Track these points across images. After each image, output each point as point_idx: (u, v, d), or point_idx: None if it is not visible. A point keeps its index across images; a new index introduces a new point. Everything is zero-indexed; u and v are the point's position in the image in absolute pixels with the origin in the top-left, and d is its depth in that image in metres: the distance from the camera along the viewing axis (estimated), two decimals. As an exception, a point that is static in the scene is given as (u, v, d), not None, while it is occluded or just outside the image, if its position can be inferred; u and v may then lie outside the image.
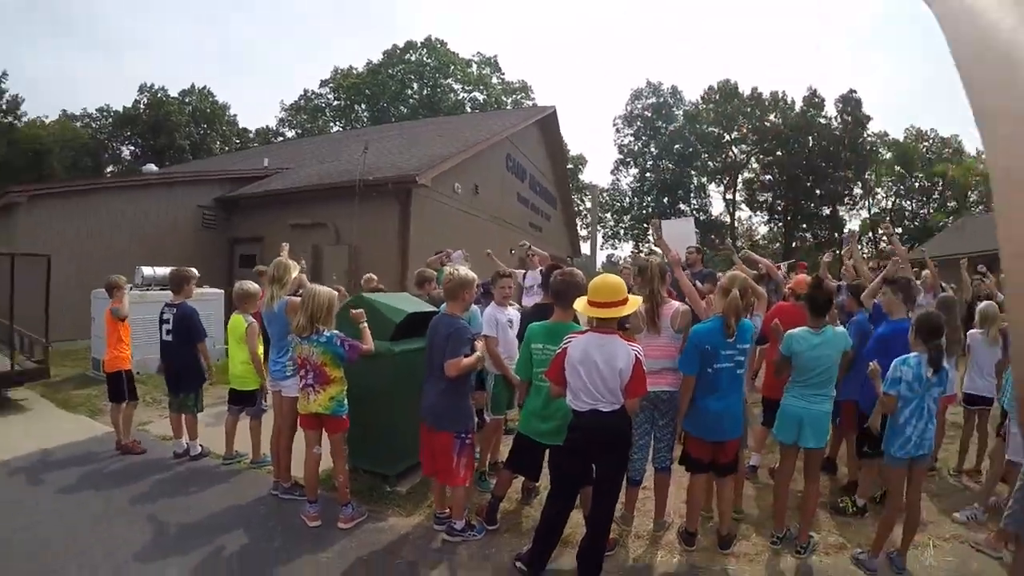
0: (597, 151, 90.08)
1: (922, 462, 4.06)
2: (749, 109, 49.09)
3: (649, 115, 52.25)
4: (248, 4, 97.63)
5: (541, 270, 7.40)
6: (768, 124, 48.44)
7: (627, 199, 53.68)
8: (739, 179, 50.81)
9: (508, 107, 50.08)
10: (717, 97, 50.01)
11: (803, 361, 4.23)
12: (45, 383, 8.65)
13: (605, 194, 51.87)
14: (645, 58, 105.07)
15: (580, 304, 3.88)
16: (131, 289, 6.89)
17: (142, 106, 52.07)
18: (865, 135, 46.80)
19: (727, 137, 50.20)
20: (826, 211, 47.98)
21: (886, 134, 48.38)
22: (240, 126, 58.84)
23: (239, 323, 5.85)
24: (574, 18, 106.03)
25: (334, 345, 4.48)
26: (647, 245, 49.52)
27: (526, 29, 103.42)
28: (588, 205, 47.39)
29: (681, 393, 4.29)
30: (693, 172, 51.11)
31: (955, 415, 6.38)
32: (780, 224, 49.87)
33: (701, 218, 47.87)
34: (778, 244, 48.17)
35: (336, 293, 4.79)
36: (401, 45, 54.96)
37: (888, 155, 48.31)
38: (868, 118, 46.37)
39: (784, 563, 4.17)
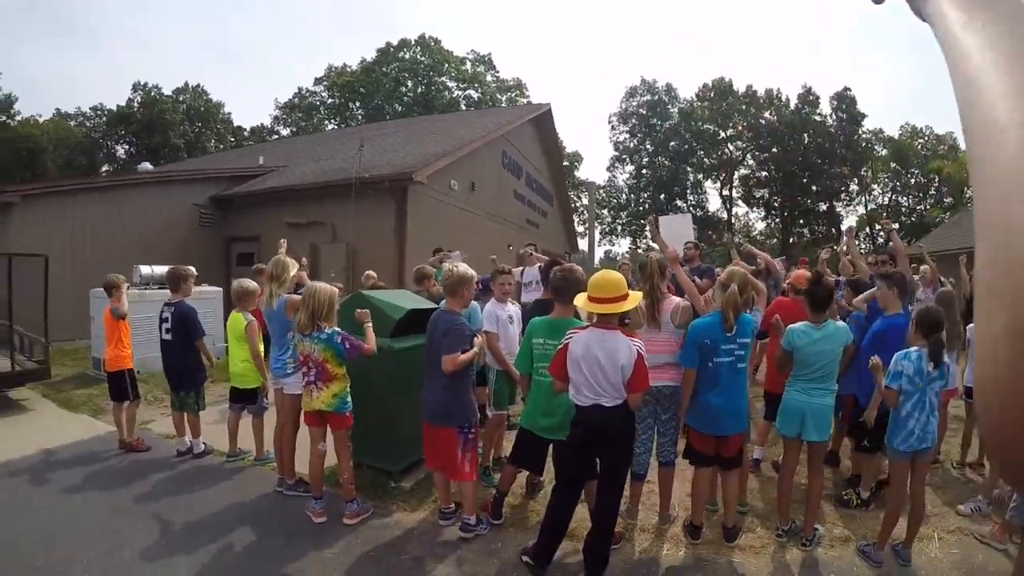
0: (593, 148, 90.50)
1: (925, 455, 4.08)
2: (744, 106, 49.16)
3: (644, 112, 52.22)
4: (243, 2, 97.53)
5: (540, 266, 7.40)
6: (763, 121, 48.50)
7: (623, 195, 53.71)
8: (735, 176, 50.87)
9: (503, 105, 50.04)
10: (712, 95, 50.02)
11: (804, 356, 4.24)
12: (46, 383, 8.62)
13: (602, 191, 51.83)
14: (639, 56, 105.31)
15: (581, 300, 3.90)
16: (129, 288, 6.85)
17: (136, 104, 51.93)
18: (860, 132, 46.93)
19: (722, 134, 50.23)
20: (823, 207, 48.12)
21: (881, 131, 48.55)
22: (235, 124, 58.83)
23: (238, 321, 5.84)
24: (568, 16, 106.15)
25: (335, 342, 4.48)
26: (644, 241, 49.66)
27: (520, 27, 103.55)
28: (585, 202, 47.37)
29: (682, 387, 4.32)
30: (689, 169, 51.16)
31: (957, 408, 6.40)
32: (777, 220, 49.98)
33: (698, 214, 47.88)
34: (775, 240, 48.22)
35: (336, 290, 4.79)
36: (395, 43, 54.86)
37: (884, 152, 48.46)
38: (863, 115, 46.54)
39: (790, 555, 4.18)
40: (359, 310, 4.80)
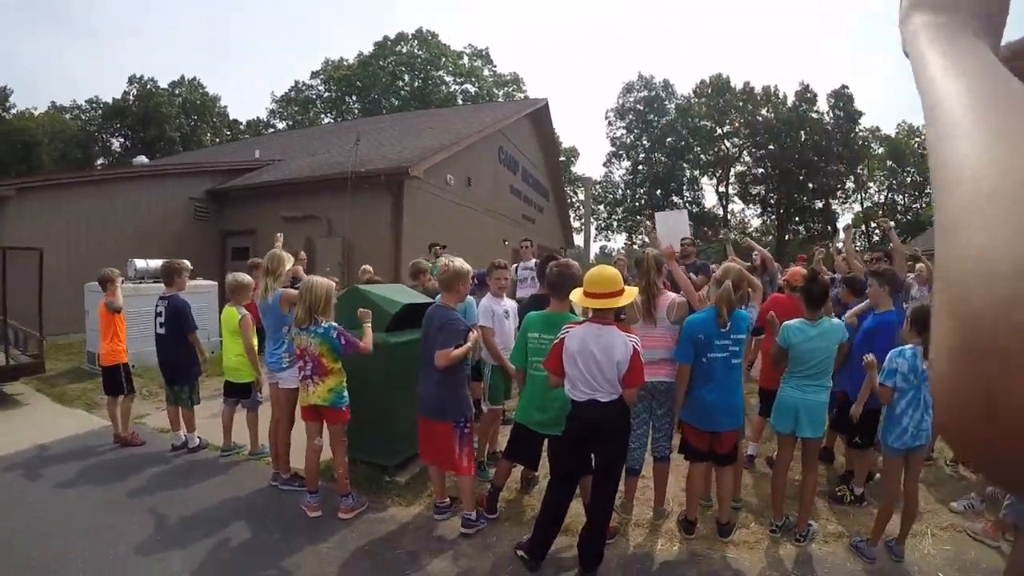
0: (589, 144, 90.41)
1: (919, 452, 4.09)
2: (741, 103, 49.11)
3: (641, 108, 52.15)
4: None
5: (536, 261, 7.39)
6: (760, 118, 48.46)
7: (620, 191, 53.65)
8: (731, 172, 50.84)
9: (500, 99, 49.97)
10: (709, 91, 49.95)
11: (799, 352, 4.25)
12: (40, 377, 8.59)
13: (598, 186, 51.82)
14: (637, 52, 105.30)
15: (577, 295, 3.90)
16: (123, 282, 6.82)
17: (132, 97, 51.71)
18: (857, 130, 46.95)
19: (719, 131, 50.17)
20: (818, 204, 48.11)
21: (878, 129, 48.57)
22: (231, 118, 58.65)
23: (232, 315, 5.82)
24: (566, 11, 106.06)
25: (331, 337, 4.47)
26: (640, 237, 49.64)
27: (518, 22, 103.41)
28: (581, 197, 47.31)
29: (677, 383, 4.33)
30: (685, 165, 51.07)
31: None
32: (773, 217, 49.98)
33: (694, 211, 47.87)
34: (771, 237, 48.29)
35: (334, 284, 4.78)
36: (392, 37, 54.67)
37: (880, 150, 48.52)
38: (860, 113, 46.52)
39: (783, 551, 4.20)
40: (361, 310, 4.79)
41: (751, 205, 51.55)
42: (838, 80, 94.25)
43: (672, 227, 9.02)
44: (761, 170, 49.24)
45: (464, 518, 4.42)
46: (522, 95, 52.77)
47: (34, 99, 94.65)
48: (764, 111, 48.79)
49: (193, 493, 5.07)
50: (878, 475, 5.13)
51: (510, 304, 5.70)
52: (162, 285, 6.44)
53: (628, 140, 52.87)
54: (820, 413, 4.27)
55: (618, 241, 54.01)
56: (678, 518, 4.55)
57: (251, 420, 5.91)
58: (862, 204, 49.27)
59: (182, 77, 55.27)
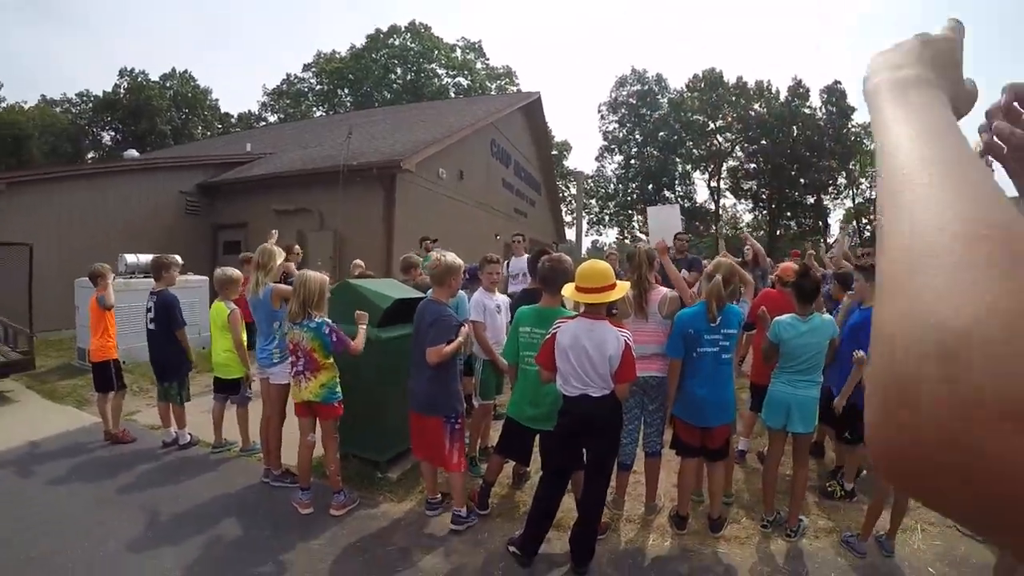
0: (582, 138, 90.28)
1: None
2: (734, 98, 49.11)
3: (634, 102, 52.10)
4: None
5: (528, 257, 7.38)
6: (753, 113, 48.51)
7: (612, 185, 53.64)
8: (724, 167, 50.87)
9: (492, 92, 49.87)
10: (702, 85, 49.92)
11: (790, 348, 4.25)
12: (31, 374, 8.54)
13: (590, 180, 51.76)
14: (630, 46, 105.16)
15: (568, 290, 3.90)
16: (115, 279, 6.75)
17: (122, 91, 51.35)
18: (849, 126, 47.04)
19: (712, 125, 50.17)
20: (810, 200, 48.22)
21: (870, 124, 48.67)
22: (222, 111, 58.33)
23: (221, 310, 5.78)
24: (560, 4, 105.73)
25: (322, 333, 4.45)
26: (632, 231, 49.75)
27: (511, 15, 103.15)
28: (573, 191, 47.32)
29: (668, 377, 4.34)
30: (678, 159, 51.08)
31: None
32: (765, 212, 50.05)
33: (686, 205, 47.97)
34: (762, 232, 48.37)
35: (327, 278, 4.76)
36: (385, 29, 54.49)
37: (872, 146, 48.55)
38: (853, 109, 46.59)
39: (774, 546, 4.22)
40: (358, 312, 4.78)
41: (743, 200, 51.63)
42: (836, 78, 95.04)
43: (664, 222, 9.03)
44: (753, 165, 49.30)
45: (454, 515, 4.41)
46: (515, 88, 52.70)
47: (24, 92, 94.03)
48: (757, 106, 48.84)
49: (184, 490, 5.05)
50: (865, 472, 5.16)
51: (502, 299, 5.69)
52: (153, 280, 6.40)
53: (620, 134, 52.81)
54: (811, 408, 4.28)
55: (610, 235, 54.17)
56: (670, 513, 4.56)
57: (241, 416, 5.88)
58: (854, 200, 49.37)
59: (173, 70, 54.98)
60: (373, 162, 13.77)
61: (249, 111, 58.27)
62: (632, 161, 51.99)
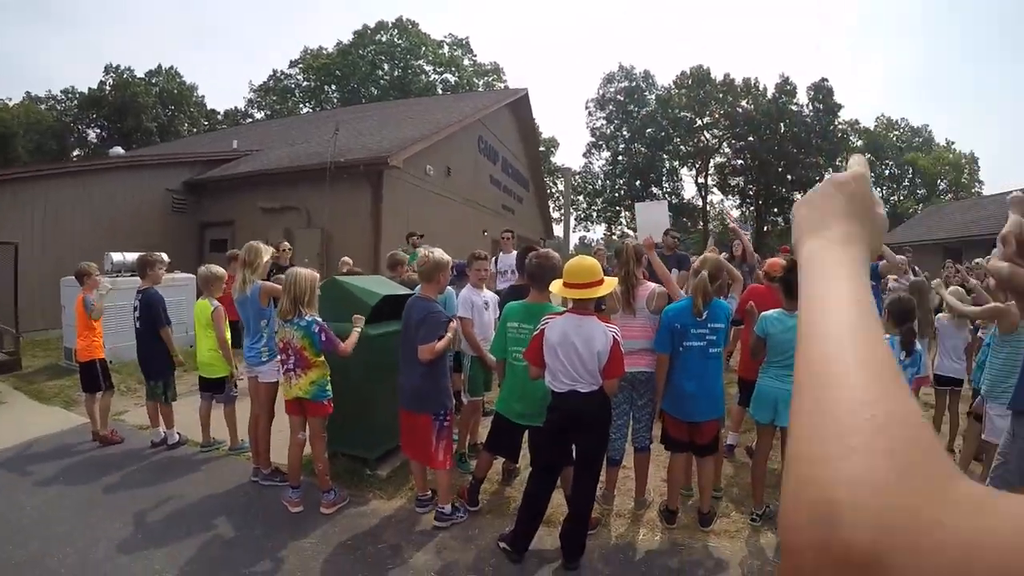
0: (569, 134, 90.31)
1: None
2: (721, 95, 49.28)
3: (621, 99, 52.21)
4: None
5: (516, 253, 7.38)
6: (740, 110, 48.69)
7: (599, 182, 53.75)
8: (711, 163, 51.07)
9: (480, 89, 49.82)
10: (690, 82, 50.08)
11: (777, 342, 4.27)
12: (17, 375, 8.45)
13: (577, 177, 51.85)
14: (617, 43, 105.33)
15: (556, 286, 3.90)
16: (108, 293, 6.62)
17: (108, 87, 50.83)
18: (836, 123, 47.33)
19: (699, 122, 50.35)
20: (797, 196, 48.28)
21: (857, 122, 49.09)
22: (208, 107, 57.84)
23: (204, 307, 5.75)
24: (548, 1, 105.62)
25: (312, 331, 4.44)
26: (619, 228, 49.84)
27: (498, 11, 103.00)
28: (561, 188, 47.32)
29: (656, 372, 4.35)
30: (665, 156, 51.25)
31: (927, 395, 6.51)
32: (751, 208, 50.30)
33: (673, 201, 48.12)
34: (750, 228, 48.61)
35: (317, 275, 4.74)
36: (372, 25, 54.28)
37: (859, 143, 49.00)
38: (839, 106, 46.94)
39: (764, 539, 4.24)
40: (355, 315, 4.78)
41: (730, 196, 51.93)
42: (828, 76, 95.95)
43: (652, 218, 9.04)
44: (740, 161, 49.58)
45: (438, 512, 4.41)
46: (502, 85, 52.63)
47: (8, 90, 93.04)
48: (744, 103, 49.05)
49: (173, 490, 5.01)
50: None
51: (490, 296, 5.69)
52: (139, 279, 6.34)
53: (608, 131, 52.94)
54: (799, 403, 4.29)
55: (598, 232, 54.24)
56: (659, 508, 4.58)
57: (229, 415, 5.85)
58: (840, 195, 49.69)
59: (159, 66, 54.43)
60: (360, 159, 13.73)
61: (236, 108, 57.84)
62: (620, 157, 52.11)
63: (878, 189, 47.89)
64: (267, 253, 5.31)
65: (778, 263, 5.72)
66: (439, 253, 4.51)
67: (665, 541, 4.25)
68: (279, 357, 4.70)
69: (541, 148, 35.96)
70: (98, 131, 51.64)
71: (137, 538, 4.18)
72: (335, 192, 13.16)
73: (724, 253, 7.53)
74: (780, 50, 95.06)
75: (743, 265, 8.02)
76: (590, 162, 54.28)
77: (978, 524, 0.35)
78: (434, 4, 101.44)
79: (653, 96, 51.86)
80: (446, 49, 55.24)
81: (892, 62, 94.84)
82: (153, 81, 53.23)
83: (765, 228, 47.92)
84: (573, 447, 3.96)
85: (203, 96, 57.44)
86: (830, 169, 47.48)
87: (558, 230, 33.77)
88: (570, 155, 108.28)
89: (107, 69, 51.72)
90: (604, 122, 53.20)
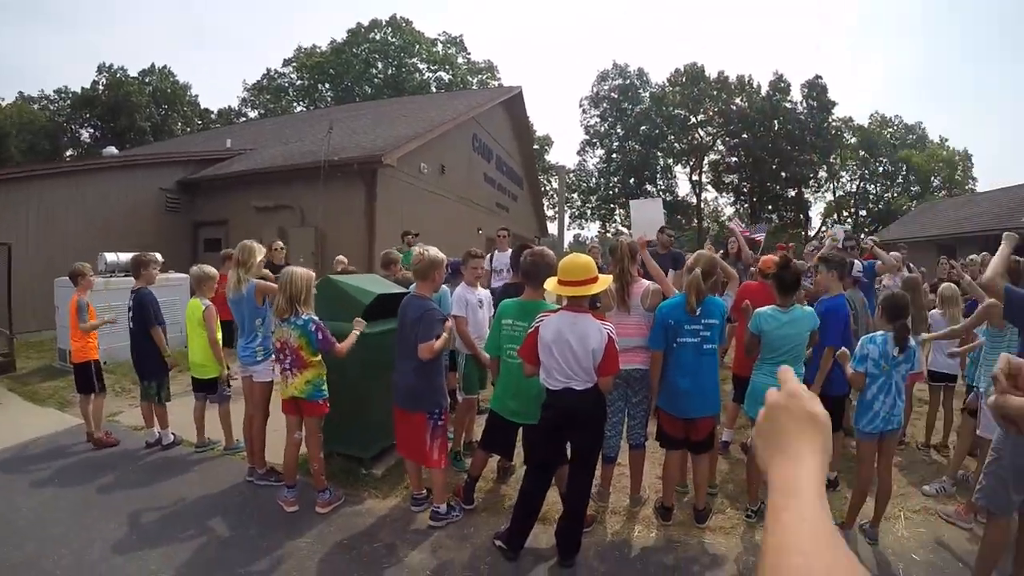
0: (563, 132, 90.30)
1: (892, 436, 4.15)
2: (715, 92, 49.31)
3: (616, 97, 52.14)
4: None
5: (511, 251, 7.37)
6: (734, 107, 48.72)
7: (593, 180, 53.70)
8: (705, 161, 51.09)
9: (474, 87, 49.75)
10: (684, 80, 50.06)
11: (771, 339, 4.29)
12: (11, 376, 8.41)
13: (572, 175, 51.85)
14: (611, 41, 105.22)
15: (551, 284, 3.90)
16: (103, 321, 6.56)
17: (101, 87, 50.55)
18: (830, 120, 47.41)
19: (693, 119, 50.35)
20: (791, 193, 48.61)
21: (851, 119, 49.17)
22: (202, 107, 57.58)
23: (196, 307, 5.73)
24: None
25: (309, 331, 4.43)
26: (614, 225, 49.85)
27: (492, 9, 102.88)
28: (555, 185, 47.27)
29: (651, 369, 4.35)
30: (659, 153, 51.20)
31: (922, 391, 6.54)
32: (746, 205, 50.34)
33: (667, 199, 48.10)
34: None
35: (313, 274, 4.73)
36: (366, 24, 54.08)
37: (853, 140, 49.10)
38: (833, 103, 46.99)
39: (759, 535, 4.23)
40: (357, 319, 4.77)
41: (724, 193, 52.00)
42: (827, 76, 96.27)
43: (647, 215, 9.07)
44: (734, 159, 49.62)
45: (433, 511, 4.41)
46: (496, 83, 52.56)
47: (1, 90, 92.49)
48: (738, 100, 49.08)
49: (168, 490, 5.00)
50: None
51: (484, 294, 5.69)
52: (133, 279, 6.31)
53: (602, 128, 52.87)
54: (793, 399, 4.30)
55: (592, 229, 54.19)
56: (655, 505, 4.59)
57: (223, 415, 5.83)
58: (834, 193, 49.93)
59: (152, 66, 54.02)
60: (354, 157, 13.69)
61: (229, 107, 57.52)
62: (614, 155, 52.06)
63: (871, 186, 48.13)
64: (261, 252, 5.29)
65: (771, 260, 5.73)
66: (434, 251, 4.51)
67: (661, 538, 4.26)
68: (274, 357, 4.68)
69: (535, 146, 35.96)
70: (91, 131, 51.37)
71: (132, 539, 4.17)
72: (329, 191, 13.11)
73: (720, 251, 7.54)
74: (780, 50, 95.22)
75: (738, 263, 8.04)
76: (584, 160, 54.24)
77: None
78: (428, 2, 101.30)
79: (647, 94, 51.81)
80: (440, 47, 55.08)
81: (892, 62, 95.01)
82: (146, 80, 52.90)
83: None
84: (568, 445, 3.96)
85: (196, 95, 57.21)
86: (824, 166, 47.62)
87: (552, 228, 33.73)
88: (564, 153, 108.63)
89: (100, 69, 51.48)
90: (598, 120, 53.13)
